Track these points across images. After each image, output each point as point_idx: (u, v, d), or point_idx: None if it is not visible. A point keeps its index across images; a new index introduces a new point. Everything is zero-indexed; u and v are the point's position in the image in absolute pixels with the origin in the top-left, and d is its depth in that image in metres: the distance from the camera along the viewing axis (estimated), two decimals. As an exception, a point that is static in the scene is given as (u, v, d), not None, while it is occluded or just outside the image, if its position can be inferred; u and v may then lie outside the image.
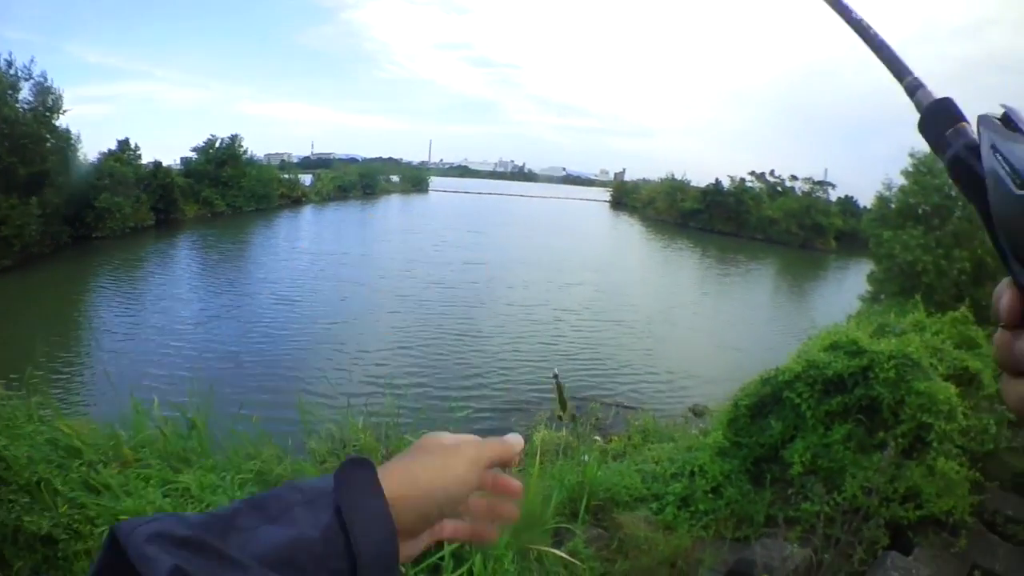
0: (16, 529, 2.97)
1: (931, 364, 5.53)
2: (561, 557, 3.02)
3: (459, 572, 2.71)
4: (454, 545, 2.69)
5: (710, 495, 4.06)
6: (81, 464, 3.36)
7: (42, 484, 3.09)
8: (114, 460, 3.56)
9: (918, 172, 18.14)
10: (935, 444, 4.73)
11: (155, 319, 16.96)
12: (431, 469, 0.59)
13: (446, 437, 0.64)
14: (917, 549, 4.04)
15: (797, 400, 5.12)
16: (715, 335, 18.43)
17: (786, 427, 4.68)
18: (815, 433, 4.70)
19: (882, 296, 17.63)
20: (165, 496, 3.12)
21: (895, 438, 4.84)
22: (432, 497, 0.58)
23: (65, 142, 25.92)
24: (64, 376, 11.61)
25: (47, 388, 5.52)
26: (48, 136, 24.59)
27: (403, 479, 0.57)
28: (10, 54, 23.89)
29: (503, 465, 0.66)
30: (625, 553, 3.49)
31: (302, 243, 31.20)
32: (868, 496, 4.12)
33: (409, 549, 0.58)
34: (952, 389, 5.16)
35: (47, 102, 24.71)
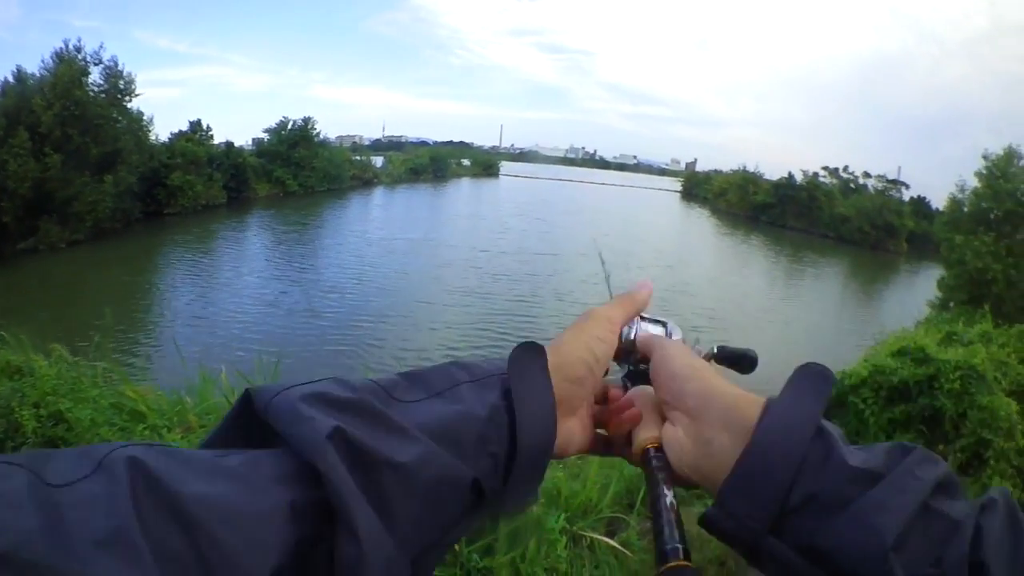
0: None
1: (995, 378, 5.26)
2: (613, 547, 2.99)
3: (512, 554, 2.71)
4: (510, 527, 2.70)
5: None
6: (145, 428, 3.45)
7: None
8: (178, 425, 3.67)
9: (991, 175, 17.27)
10: (992, 462, 4.50)
11: (224, 292, 17.58)
12: (571, 334, 0.61)
13: (597, 307, 0.67)
14: None
15: (862, 406, 4.94)
16: (780, 333, 17.99)
17: (848, 433, 4.47)
18: (876, 441, 4.52)
19: (951, 303, 16.80)
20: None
21: (954, 452, 4.63)
22: (579, 356, 0.59)
23: (137, 123, 27.22)
24: (132, 345, 12.21)
25: (115, 355, 5.79)
26: (119, 117, 25.84)
27: (555, 347, 0.59)
28: (79, 39, 25.27)
29: (636, 312, 0.68)
30: (677, 549, 3.42)
31: (373, 226, 31.37)
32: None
33: (572, 425, 0.59)
34: (1014, 406, 4.90)
35: (118, 85, 25.95)
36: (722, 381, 0.57)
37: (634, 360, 0.68)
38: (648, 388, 0.63)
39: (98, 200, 23.13)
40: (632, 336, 0.67)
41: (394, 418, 0.45)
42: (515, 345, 0.56)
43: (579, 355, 0.59)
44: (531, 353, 0.55)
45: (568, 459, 3.89)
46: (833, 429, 0.48)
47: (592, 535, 2.93)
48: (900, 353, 5.42)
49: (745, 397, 0.53)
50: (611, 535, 3.05)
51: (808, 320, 20.13)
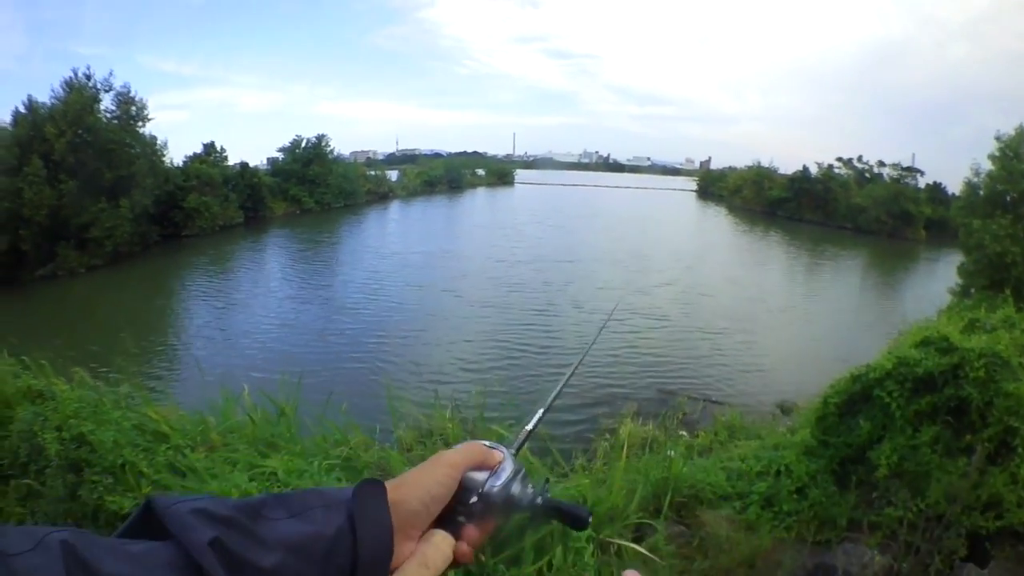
0: (97, 508, 3.12)
1: (1020, 363, 5.16)
2: (641, 552, 2.96)
3: (539, 564, 2.70)
4: (536, 536, 2.68)
5: (795, 496, 3.90)
6: (168, 448, 3.49)
7: (127, 466, 3.25)
8: (201, 445, 3.69)
9: (1005, 157, 16.99)
10: (1020, 449, 4.40)
11: (244, 311, 17.69)
12: (417, 474, 0.71)
13: (446, 451, 0.77)
14: (993, 563, 3.77)
15: (887, 399, 4.84)
16: (803, 328, 17.78)
17: (875, 427, 4.43)
18: (903, 434, 4.45)
19: (972, 290, 16.50)
20: (251, 480, 3.19)
21: (982, 442, 4.53)
22: (418, 497, 0.69)
23: (150, 147, 27.63)
24: (155, 367, 12.33)
25: (137, 377, 5.87)
26: (132, 142, 26.24)
27: (398, 484, 0.70)
28: (88, 67, 25.70)
29: (481, 467, 0.76)
30: (705, 552, 3.39)
31: (389, 241, 31.32)
32: (951, 503, 3.87)
33: (404, 548, 0.68)
34: (1040, 391, 4.79)
35: (130, 111, 26.38)
36: None
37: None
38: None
39: (116, 225, 23.48)
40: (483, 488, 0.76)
41: (259, 532, 0.59)
42: (360, 481, 0.68)
43: (417, 495, 0.69)
44: (375, 487, 0.67)
45: (594, 463, 3.87)
46: None
47: (619, 542, 2.90)
48: (924, 343, 5.32)
49: None
50: (638, 541, 3.02)
51: (830, 315, 19.82)
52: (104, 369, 5.71)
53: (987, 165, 17.71)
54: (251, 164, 36.84)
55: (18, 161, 21.99)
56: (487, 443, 0.79)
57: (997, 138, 17.45)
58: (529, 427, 0.88)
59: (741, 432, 5.01)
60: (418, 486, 0.70)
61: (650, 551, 2.99)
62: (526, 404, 6.10)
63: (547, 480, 0.82)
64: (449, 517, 0.74)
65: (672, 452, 3.76)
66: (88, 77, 25.38)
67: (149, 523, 0.57)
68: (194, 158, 32.47)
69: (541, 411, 0.90)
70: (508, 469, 0.77)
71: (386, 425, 4.10)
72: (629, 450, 3.75)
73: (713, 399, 10.13)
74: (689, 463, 3.83)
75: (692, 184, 79.18)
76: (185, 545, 0.54)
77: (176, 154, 32.29)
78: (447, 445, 3.93)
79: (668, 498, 3.23)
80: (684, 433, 4.64)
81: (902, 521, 3.86)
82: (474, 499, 0.74)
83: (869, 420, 4.47)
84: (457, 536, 0.72)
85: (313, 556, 0.60)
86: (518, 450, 0.82)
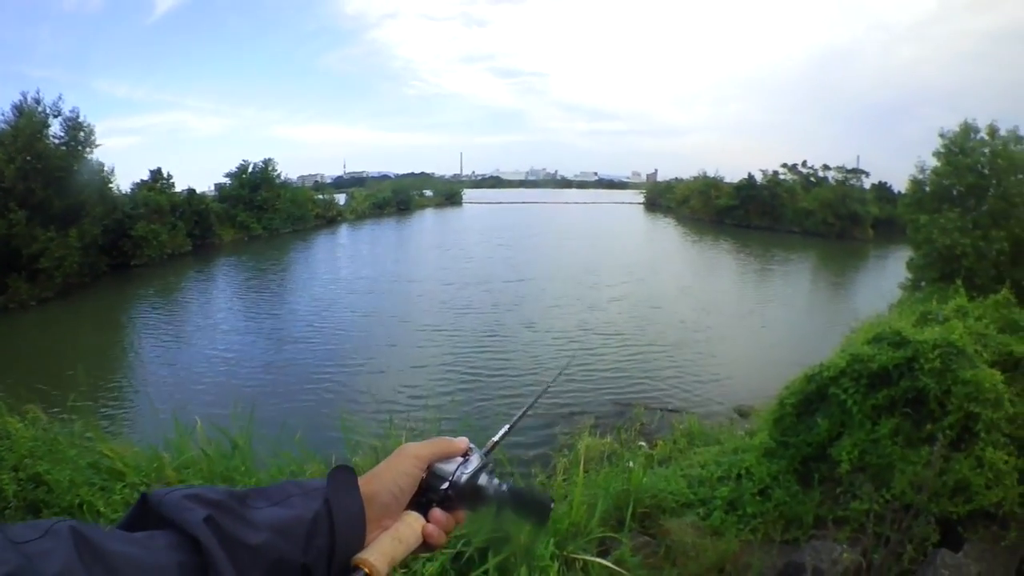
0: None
1: (976, 351, 5.33)
2: (607, 567, 2.96)
3: (504, 585, 2.67)
4: (499, 557, 2.65)
5: (758, 497, 3.94)
6: (124, 486, 3.44)
7: (84, 506, 3.20)
8: (157, 481, 3.61)
9: (950, 152, 17.70)
10: (983, 434, 4.53)
11: (195, 343, 17.24)
12: (386, 467, 0.80)
13: (411, 444, 0.84)
14: (967, 545, 3.88)
15: (843, 396, 4.95)
16: (758, 333, 18.05)
17: (833, 424, 4.53)
18: (862, 429, 4.55)
19: (923, 283, 17.12)
20: (209, 517, 3.13)
21: (943, 430, 4.66)
22: (387, 489, 0.77)
23: (98, 174, 26.82)
24: (107, 402, 11.92)
25: (90, 414, 5.66)
26: (81, 169, 25.44)
27: (369, 478, 0.78)
28: (38, 91, 24.90)
29: (445, 457, 0.83)
30: (673, 560, 3.40)
31: (337, 266, 30.76)
32: (918, 492, 3.96)
33: (376, 534, 0.75)
34: (998, 376, 4.95)
35: (79, 136, 25.60)
36: None
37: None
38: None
39: (65, 255, 22.64)
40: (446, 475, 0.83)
41: (248, 515, 0.66)
42: (333, 468, 0.76)
43: (387, 487, 0.77)
44: (346, 474, 0.75)
45: (554, 480, 3.85)
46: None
47: (585, 557, 2.89)
48: (876, 339, 5.45)
49: None
50: (604, 555, 3.01)
51: (782, 318, 20.18)
52: (56, 407, 5.49)
53: (932, 162, 18.45)
54: (199, 190, 36.23)
55: (-32, 188, 21.13)
56: (456, 439, 0.87)
57: (941, 135, 18.19)
58: (495, 438, 0.93)
59: (700, 439, 5.06)
60: (387, 478, 0.78)
61: (616, 564, 2.98)
62: (481, 428, 6.07)
63: (512, 475, 0.88)
64: (420, 503, 0.81)
65: (631, 463, 3.77)
66: (37, 101, 24.58)
67: (145, 517, 0.64)
68: (142, 185, 31.72)
69: (507, 427, 0.96)
70: (476, 462, 0.85)
71: (341, 453, 4.03)
72: (588, 464, 3.76)
73: (670, 408, 10.20)
74: (649, 473, 3.85)
75: (640, 197, 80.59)
76: (181, 524, 0.60)
77: (125, 180, 31.62)
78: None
79: (630, 509, 3.24)
80: (643, 443, 4.67)
81: (869, 514, 3.93)
82: (445, 485, 0.82)
83: (827, 418, 4.57)
84: (428, 519, 0.79)
85: (295, 537, 0.67)
86: (487, 453, 0.89)
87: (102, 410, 10.74)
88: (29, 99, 24.40)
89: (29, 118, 23.69)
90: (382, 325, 18.58)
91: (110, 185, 28.20)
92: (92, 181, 25.88)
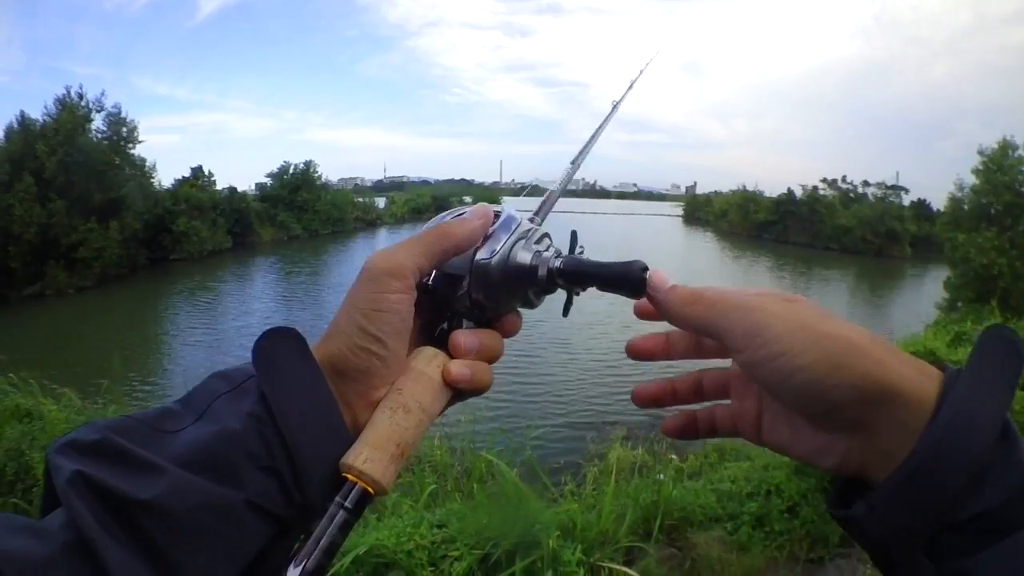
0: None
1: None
2: (632, 576, 2.95)
3: (530, 589, 2.68)
4: (526, 561, 2.66)
5: (786, 515, 3.90)
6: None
7: None
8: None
9: (988, 170, 17.32)
10: None
11: (231, 337, 17.44)
12: (342, 308, 0.47)
13: (380, 251, 0.49)
14: None
15: (875, 415, 4.88)
16: None
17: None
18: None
19: (959, 303, 16.70)
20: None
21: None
22: (346, 346, 0.46)
23: (140, 170, 27.62)
24: (141, 390, 12.21)
25: (123, 401, 5.81)
26: (123, 164, 26.23)
27: (329, 333, 0.47)
28: (80, 86, 25.83)
29: (450, 253, 0.50)
30: (698, 573, 3.38)
31: None
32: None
33: (367, 414, 0.47)
34: (1026, 399, 4.86)
35: (121, 132, 26.41)
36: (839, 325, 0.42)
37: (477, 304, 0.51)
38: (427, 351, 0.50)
39: (105, 246, 23.36)
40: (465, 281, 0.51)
41: (139, 453, 0.40)
42: (262, 335, 0.45)
43: (355, 342, 0.46)
44: (284, 340, 0.45)
45: (584, 489, 3.86)
46: (1012, 423, 0.39)
47: (611, 565, 2.89)
48: (910, 359, 5.36)
49: (907, 355, 0.41)
50: (630, 564, 3.01)
51: None
52: (92, 389, 5.67)
53: (971, 179, 18.04)
54: (239, 189, 36.97)
55: (9, 177, 21.92)
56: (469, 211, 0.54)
57: (980, 152, 17.80)
58: (556, 186, 0.65)
59: (731, 454, 5.02)
60: (349, 327, 0.46)
61: (642, 574, 2.98)
62: (516, 432, 6.08)
63: (574, 235, 0.55)
64: (431, 327, 0.53)
65: (662, 475, 3.76)
66: (80, 96, 25.44)
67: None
68: (183, 182, 32.42)
69: (570, 165, 0.69)
70: (513, 226, 0.53)
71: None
72: (619, 474, 3.76)
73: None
74: (679, 486, 3.83)
75: (678, 209, 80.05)
76: (55, 492, 0.38)
77: (166, 177, 32.40)
78: (436, 473, 3.93)
79: (658, 521, 3.23)
80: (674, 456, 4.65)
81: (894, 534, 3.88)
82: (463, 288, 0.50)
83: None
84: (449, 349, 0.51)
85: (226, 466, 0.41)
86: (538, 214, 0.60)
87: (136, 395, 11.01)
88: (72, 94, 25.29)
89: (71, 112, 24.50)
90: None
91: (152, 180, 29.03)
92: (133, 176, 26.66)
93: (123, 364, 11.28)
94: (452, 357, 0.50)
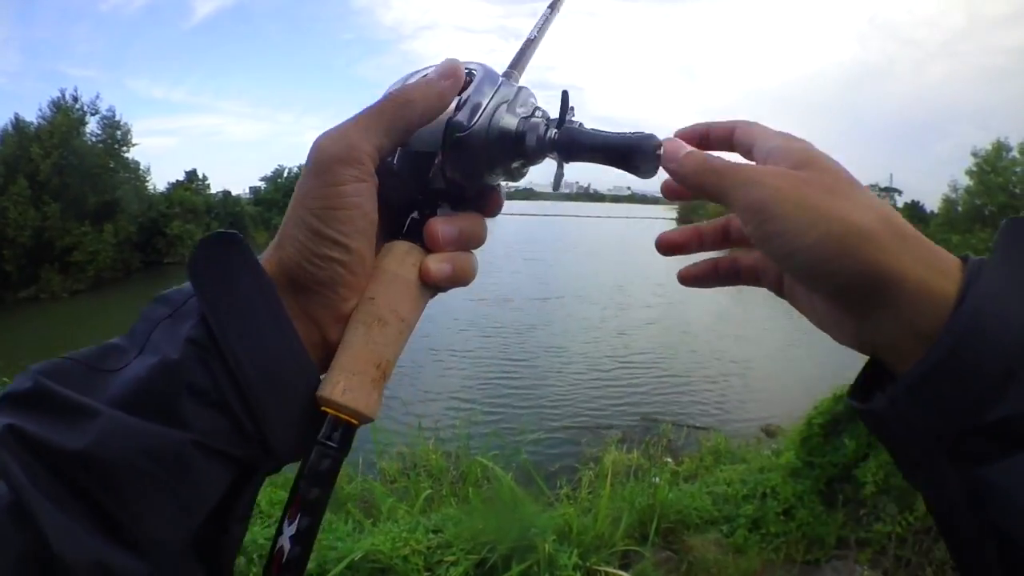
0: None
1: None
2: (629, 580, 2.95)
3: (526, 593, 2.68)
4: (523, 565, 2.66)
5: (782, 517, 3.91)
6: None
7: None
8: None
9: (982, 171, 17.46)
10: None
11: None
12: (296, 197, 0.39)
13: (329, 130, 0.40)
14: None
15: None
16: (787, 352, 17.78)
17: (860, 445, 4.47)
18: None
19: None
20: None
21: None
22: (307, 252, 0.38)
23: (134, 173, 27.57)
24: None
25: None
26: (117, 167, 26.16)
27: (277, 239, 0.40)
28: (75, 89, 25.79)
29: (415, 125, 0.41)
30: (694, 576, 3.39)
31: None
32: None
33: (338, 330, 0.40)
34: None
35: (115, 135, 26.36)
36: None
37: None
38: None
39: (99, 250, 23.30)
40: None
41: (72, 398, 0.34)
42: (198, 241, 0.38)
43: (299, 250, 0.38)
44: (225, 248, 0.37)
45: (579, 492, 3.86)
46: None
47: (607, 569, 2.89)
48: (906, 360, 5.38)
49: (923, 243, 0.37)
50: (626, 568, 3.01)
51: (814, 338, 19.61)
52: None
53: (965, 181, 18.18)
54: (234, 193, 37.25)
55: (3, 180, 21.84)
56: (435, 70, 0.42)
57: (974, 154, 17.96)
58: (533, 34, 0.53)
59: (726, 456, 5.03)
60: (299, 231, 0.38)
61: (638, 577, 2.98)
62: (511, 436, 6.06)
63: (565, 96, 0.43)
64: (401, 216, 0.44)
65: (657, 479, 3.77)
66: (75, 99, 25.40)
67: None
68: (176, 185, 32.45)
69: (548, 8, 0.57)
70: (486, 90, 0.42)
71: (368, 456, 4.08)
72: (614, 478, 3.76)
73: (697, 425, 10.10)
74: (675, 489, 3.84)
75: (672, 213, 79.99)
76: None
77: (160, 181, 32.52)
78: (431, 477, 3.92)
79: (654, 524, 3.23)
80: (669, 460, 4.67)
81: (891, 536, 3.88)
82: (435, 166, 0.42)
83: (854, 439, 4.50)
84: (426, 242, 0.42)
85: (165, 403, 0.34)
86: (513, 68, 0.48)
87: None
88: (67, 96, 25.26)
89: (66, 115, 24.48)
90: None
91: (146, 184, 29.02)
92: (127, 179, 26.60)
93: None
94: (428, 251, 0.42)
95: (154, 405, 0.34)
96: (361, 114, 0.40)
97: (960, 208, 18.10)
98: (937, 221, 20.05)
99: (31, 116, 24.63)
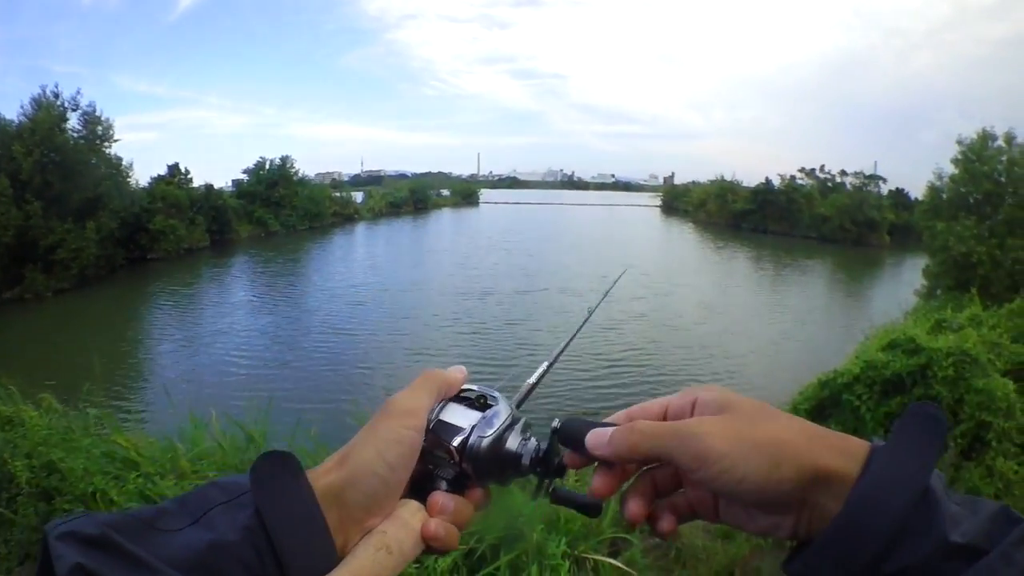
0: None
1: (989, 360, 5.31)
2: (618, 567, 2.97)
3: (515, 583, 2.68)
4: (511, 555, 2.66)
5: (769, 502, 3.97)
6: (138, 476, 3.44)
7: (97, 494, 3.21)
8: (171, 472, 3.64)
9: (967, 160, 17.60)
10: (994, 443, 4.53)
11: (211, 335, 17.34)
12: (362, 436, 0.53)
13: (399, 394, 0.57)
14: None
15: (856, 402, 4.93)
16: (773, 338, 17.89)
17: (845, 430, 4.48)
18: (875, 436, 4.52)
19: (938, 291, 17.00)
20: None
21: (954, 439, 4.64)
22: (369, 467, 0.51)
23: (116, 168, 27.13)
24: (122, 392, 12.06)
25: (105, 403, 5.72)
26: (99, 163, 25.76)
27: (343, 456, 0.52)
28: (56, 86, 25.19)
29: (444, 395, 0.59)
30: (683, 562, 3.41)
31: (354, 271, 29.27)
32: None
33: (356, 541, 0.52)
34: (1011, 385, 4.95)
35: (97, 131, 25.91)
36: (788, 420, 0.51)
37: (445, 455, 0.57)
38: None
39: (82, 247, 22.95)
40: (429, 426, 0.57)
41: (137, 553, 0.42)
42: (260, 455, 0.51)
43: (370, 466, 0.51)
44: (275, 461, 0.50)
45: (566, 481, 3.87)
46: (937, 483, 0.44)
47: (596, 557, 2.90)
48: (891, 346, 5.43)
49: (834, 437, 0.49)
50: (615, 555, 3.02)
51: (799, 324, 19.78)
52: (73, 393, 5.59)
53: (950, 169, 18.31)
54: (216, 186, 36.54)
55: (-14, 179, 21.45)
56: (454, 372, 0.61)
57: (959, 142, 18.07)
58: (532, 380, 0.67)
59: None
60: (368, 453, 0.52)
61: (627, 565, 3.00)
62: None
63: (555, 430, 0.58)
64: (418, 484, 0.56)
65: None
66: (56, 95, 24.90)
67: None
68: (159, 180, 31.98)
69: (545, 364, 0.71)
70: (503, 415, 0.58)
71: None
72: (601, 465, 3.77)
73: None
74: (662, 475, 3.87)
75: (657, 200, 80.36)
76: (51, 569, 0.41)
77: (143, 175, 32.07)
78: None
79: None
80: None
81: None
82: (455, 448, 0.55)
83: (839, 424, 4.56)
84: (428, 507, 0.55)
85: (211, 572, 0.44)
86: (519, 404, 0.64)
87: (116, 401, 10.88)
88: (48, 93, 24.75)
89: (47, 112, 23.98)
90: (383, 345, 17.21)
91: (128, 179, 28.51)
92: (110, 175, 26.20)
93: (103, 366, 11.11)
94: (429, 515, 0.54)
95: (208, 573, 0.44)
96: (423, 383, 0.58)
97: (945, 196, 18.21)
98: (922, 208, 20.22)
99: (13, 115, 24.15)
